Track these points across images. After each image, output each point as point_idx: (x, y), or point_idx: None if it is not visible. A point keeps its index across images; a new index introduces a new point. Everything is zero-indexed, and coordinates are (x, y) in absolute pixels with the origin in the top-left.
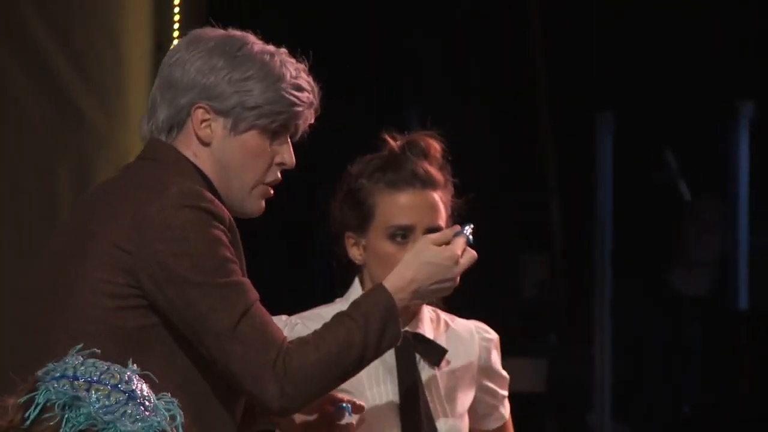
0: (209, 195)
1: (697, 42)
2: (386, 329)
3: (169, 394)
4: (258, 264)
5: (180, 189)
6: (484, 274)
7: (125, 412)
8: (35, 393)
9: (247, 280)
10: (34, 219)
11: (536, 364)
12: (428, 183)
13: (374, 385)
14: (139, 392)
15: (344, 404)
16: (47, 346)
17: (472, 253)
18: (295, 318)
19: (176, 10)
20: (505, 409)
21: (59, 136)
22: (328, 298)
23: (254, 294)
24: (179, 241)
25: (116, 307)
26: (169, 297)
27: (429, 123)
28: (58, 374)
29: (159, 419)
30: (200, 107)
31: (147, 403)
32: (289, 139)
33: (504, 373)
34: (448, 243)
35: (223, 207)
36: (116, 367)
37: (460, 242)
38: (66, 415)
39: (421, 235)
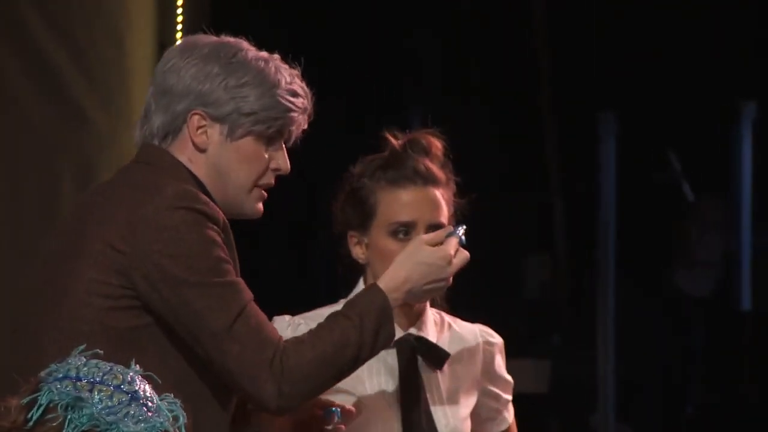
0: (204, 197)
1: (699, 42)
2: (381, 329)
3: (172, 395)
4: (262, 264)
5: (175, 190)
6: (487, 274)
7: (128, 412)
8: (38, 394)
9: (241, 280)
10: (35, 219)
11: (539, 365)
12: (429, 180)
13: (375, 385)
14: (141, 393)
15: (334, 408)
16: (41, 345)
17: (464, 254)
18: (298, 318)
19: (179, 10)
20: (509, 414)
21: (61, 136)
22: (331, 299)
23: (249, 294)
24: (174, 241)
25: (109, 308)
26: (164, 297)
27: (430, 122)
28: (60, 375)
29: (162, 420)
30: (196, 114)
31: (150, 404)
32: (283, 145)
33: (508, 377)
34: (441, 243)
35: (218, 209)
36: (119, 367)
37: (452, 243)
38: (69, 416)
39: (423, 232)
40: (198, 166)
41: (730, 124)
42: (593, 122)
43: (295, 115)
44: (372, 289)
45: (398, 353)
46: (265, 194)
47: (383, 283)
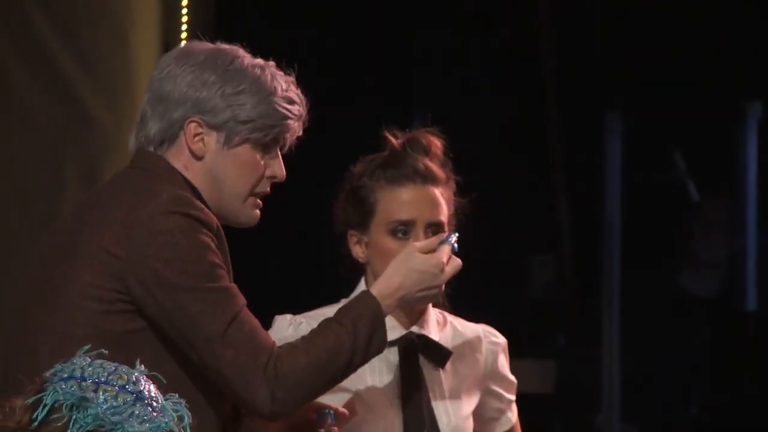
0: (199, 203)
1: (705, 42)
2: (374, 335)
3: (177, 395)
4: (264, 265)
5: (170, 196)
6: (491, 274)
7: (133, 412)
8: (43, 394)
9: (234, 286)
10: (40, 219)
11: (544, 365)
12: (429, 178)
13: (377, 383)
14: (146, 393)
15: (327, 411)
16: (36, 347)
17: (457, 261)
18: (299, 317)
19: (184, 10)
20: (513, 414)
21: (66, 136)
22: (333, 299)
23: (242, 299)
24: (169, 246)
25: (103, 311)
26: (159, 301)
27: (430, 121)
28: (65, 375)
29: (167, 420)
30: (193, 121)
31: (155, 404)
32: (279, 152)
33: (512, 377)
34: (433, 251)
35: (212, 215)
36: (124, 368)
37: (445, 250)
38: (74, 416)
39: (423, 231)
40: (194, 173)
41: (735, 124)
42: (598, 122)
43: (291, 122)
44: (365, 295)
45: (400, 351)
46: (260, 202)
47: (376, 289)
